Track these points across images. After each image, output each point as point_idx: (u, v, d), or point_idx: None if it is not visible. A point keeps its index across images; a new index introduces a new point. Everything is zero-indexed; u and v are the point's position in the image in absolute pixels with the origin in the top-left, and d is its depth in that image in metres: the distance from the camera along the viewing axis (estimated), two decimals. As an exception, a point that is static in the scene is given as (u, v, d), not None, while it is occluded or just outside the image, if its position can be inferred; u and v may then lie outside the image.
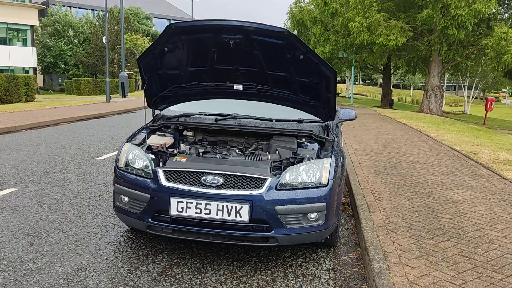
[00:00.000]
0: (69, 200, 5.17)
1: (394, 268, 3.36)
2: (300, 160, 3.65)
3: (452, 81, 65.66)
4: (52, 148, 8.61)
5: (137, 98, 27.06)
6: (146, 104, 4.31)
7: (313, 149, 4.04)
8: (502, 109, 55.57)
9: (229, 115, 4.33)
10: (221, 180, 3.34)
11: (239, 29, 3.59)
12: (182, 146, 4.03)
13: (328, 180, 3.48)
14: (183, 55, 3.95)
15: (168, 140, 4.12)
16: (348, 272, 3.57)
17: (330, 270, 3.57)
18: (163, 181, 3.41)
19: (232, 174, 3.35)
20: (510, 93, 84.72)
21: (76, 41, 42.19)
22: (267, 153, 3.92)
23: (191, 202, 3.31)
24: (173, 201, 3.34)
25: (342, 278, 3.45)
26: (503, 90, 68.20)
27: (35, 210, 4.77)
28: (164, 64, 4.03)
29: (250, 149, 4.08)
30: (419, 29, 20.17)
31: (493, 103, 25.56)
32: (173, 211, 3.34)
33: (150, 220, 3.45)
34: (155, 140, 4.08)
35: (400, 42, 18.66)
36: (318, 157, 3.81)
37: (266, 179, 3.34)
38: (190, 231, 3.41)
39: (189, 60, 4.02)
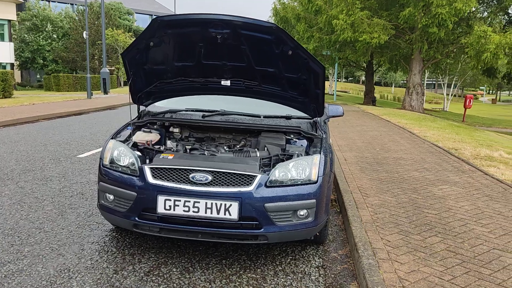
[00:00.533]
0: (50, 198, 5.03)
1: (384, 264, 3.35)
2: (290, 157, 3.60)
3: (431, 79, 66.63)
4: (31, 146, 8.40)
5: (119, 94, 26.70)
6: (131, 100, 4.21)
7: (301, 145, 4.01)
8: (480, 106, 56.60)
9: (217, 111, 4.26)
10: (210, 177, 3.28)
11: (227, 24, 3.52)
12: (168, 143, 3.95)
13: (318, 176, 3.45)
14: (169, 49, 3.87)
15: (154, 136, 4.03)
16: (337, 269, 3.54)
17: (319, 268, 3.55)
18: (150, 178, 3.33)
19: (220, 171, 3.29)
20: (487, 91, 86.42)
21: (55, 36, 41.39)
22: (256, 149, 3.86)
23: (179, 200, 3.25)
24: (161, 199, 3.26)
25: (332, 275, 3.43)
26: (480, 87, 69.51)
27: (15, 209, 4.63)
28: (149, 59, 3.94)
29: (238, 146, 4.02)
30: (401, 27, 20.36)
31: (471, 100, 26.01)
32: (160, 209, 3.27)
33: (136, 218, 3.37)
34: (141, 136, 3.99)
35: (383, 40, 18.80)
36: (307, 153, 3.78)
37: (255, 176, 3.29)
38: (177, 230, 3.34)
39: (176, 55, 3.93)
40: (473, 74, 39.04)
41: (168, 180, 3.31)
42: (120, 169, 3.51)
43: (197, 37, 3.71)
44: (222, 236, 3.35)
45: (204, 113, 4.24)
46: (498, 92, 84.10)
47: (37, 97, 22.93)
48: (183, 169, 3.32)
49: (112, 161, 3.58)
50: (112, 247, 3.75)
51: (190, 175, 3.29)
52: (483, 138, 11.19)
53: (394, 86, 75.39)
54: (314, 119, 4.34)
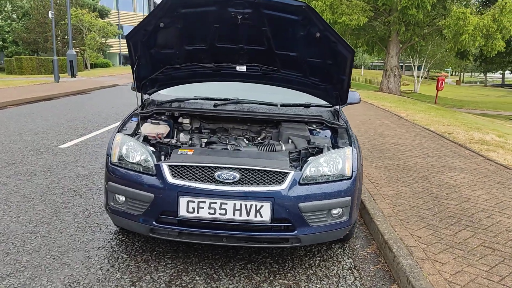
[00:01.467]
0: (40, 197, 4.56)
1: (424, 265, 3.12)
2: (319, 151, 3.29)
3: (401, 61, 67.47)
4: (5, 135, 7.76)
5: (88, 78, 25.61)
6: (135, 88, 3.78)
7: (325, 136, 3.70)
8: (446, 88, 57.73)
9: (229, 99, 3.88)
10: (238, 176, 2.93)
11: (250, 3, 3.14)
12: (181, 135, 3.56)
13: (352, 171, 3.16)
14: (180, 31, 3.45)
15: (163, 129, 3.63)
16: (371, 271, 3.29)
17: (353, 269, 3.28)
18: (169, 177, 2.95)
19: (250, 169, 2.95)
20: (451, 73, 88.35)
21: (15, 16, 39.20)
22: (280, 142, 3.52)
23: (204, 202, 2.89)
24: (183, 200, 2.90)
25: (368, 278, 3.17)
26: (446, 69, 71.02)
27: (2, 210, 4.14)
28: (157, 41, 3.50)
29: (259, 138, 3.67)
30: (379, 9, 20.21)
31: (443, 82, 26.36)
32: (182, 212, 2.91)
33: (154, 223, 3.00)
34: (149, 129, 3.58)
35: (362, 22, 18.62)
36: (333, 146, 3.47)
37: (288, 173, 2.97)
38: (200, 234, 3.00)
39: (187, 37, 3.52)
40: (442, 56, 39.60)
41: (190, 180, 2.94)
42: (130, 166, 3.11)
43: (213, 18, 3.31)
44: (250, 240, 3.03)
45: (216, 102, 3.85)
46: (462, 73, 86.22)
47: (0, 81, 21.67)
48: (207, 166, 2.95)
49: (121, 158, 3.17)
50: (121, 252, 3.36)
51: (216, 174, 2.93)
52: (468, 120, 11.22)
53: (364, 68, 75.98)
54: (335, 107, 4.03)
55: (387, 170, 5.70)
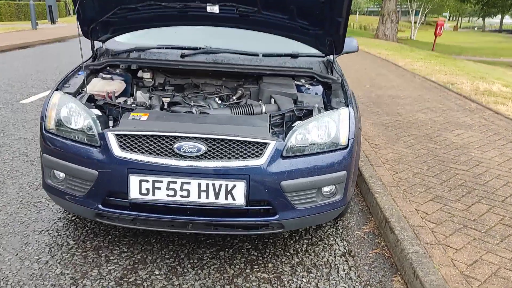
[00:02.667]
0: (-15, 163, 3.92)
1: (435, 252, 2.57)
2: (308, 113, 2.63)
3: (397, 6, 65.24)
4: (-36, 89, 7.00)
5: (69, 24, 24.22)
6: (80, 33, 3.04)
7: (316, 94, 3.04)
8: (443, 34, 56.15)
9: (200, 48, 3.17)
10: (203, 147, 2.29)
11: None
12: (138, 94, 2.87)
13: (348, 139, 2.53)
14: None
15: (117, 85, 2.94)
16: (369, 257, 2.74)
17: (347, 256, 2.73)
18: (117, 150, 2.31)
19: (218, 138, 2.31)
20: (448, 18, 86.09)
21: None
22: (260, 102, 2.85)
23: (161, 181, 2.27)
24: (134, 180, 2.27)
25: (365, 268, 2.62)
26: (443, 14, 69.00)
27: None
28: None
29: (235, 97, 2.99)
30: None
31: (442, 27, 25.24)
32: (134, 194, 2.29)
33: (99, 206, 2.39)
34: (99, 86, 2.89)
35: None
36: (326, 106, 2.82)
37: (267, 144, 2.33)
38: (158, 220, 2.40)
39: (141, -33, 2.76)
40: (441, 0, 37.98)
41: (143, 153, 2.30)
42: (71, 135, 2.45)
43: None
44: (221, 226, 2.45)
45: (183, 51, 3.14)
46: (460, 18, 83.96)
47: (-25, 28, 20.35)
48: (164, 136, 2.31)
49: (59, 124, 2.50)
50: (68, 237, 2.77)
51: (175, 145, 2.29)
52: (471, 69, 10.50)
53: (359, 14, 73.56)
54: (328, 57, 3.33)
55: (385, 128, 5.08)
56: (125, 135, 2.33)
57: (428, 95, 7.00)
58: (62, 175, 2.48)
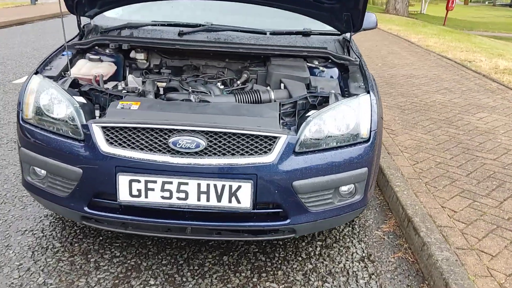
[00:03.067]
0: (-31, 151, 3.62)
1: (467, 258, 2.26)
2: (324, 100, 2.29)
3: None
4: (-44, 68, 6.67)
5: (69, -1, 23.59)
6: (64, 7, 2.67)
7: (332, 78, 2.69)
8: (454, 8, 54.69)
9: (200, 25, 2.81)
10: (203, 143, 1.96)
11: None
12: (129, 78, 2.53)
13: (370, 131, 2.19)
14: None
15: (106, 68, 2.60)
16: (391, 262, 2.43)
17: (366, 260, 2.43)
18: (103, 145, 1.99)
19: (221, 132, 1.98)
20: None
21: None
22: (268, 88, 2.50)
23: (154, 181, 1.96)
24: (123, 179, 1.96)
25: (388, 276, 2.32)
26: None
27: None
28: None
29: (239, 82, 2.64)
30: None
31: (454, 1, 24.42)
32: (123, 195, 1.99)
33: (86, 208, 2.09)
34: (85, 68, 2.56)
35: None
36: (343, 91, 2.48)
37: (278, 138, 2.01)
38: (153, 224, 2.10)
39: None
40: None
41: (133, 148, 1.98)
42: (52, 127, 2.13)
43: None
44: (224, 232, 2.15)
45: (181, 28, 2.79)
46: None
47: (-27, 3, 19.86)
48: (158, 129, 1.98)
49: (38, 113, 2.18)
50: (54, 239, 2.48)
51: (171, 140, 1.97)
52: (487, 45, 10.01)
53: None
54: (344, 35, 2.96)
55: (401, 111, 4.72)
56: (113, 128, 2.00)
57: (445, 74, 6.59)
58: (43, 172, 2.17)
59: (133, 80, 2.50)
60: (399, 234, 2.70)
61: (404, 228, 2.69)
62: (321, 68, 2.69)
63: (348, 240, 2.61)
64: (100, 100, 2.27)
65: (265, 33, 2.84)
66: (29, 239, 2.47)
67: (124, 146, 1.98)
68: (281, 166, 1.99)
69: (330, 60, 2.72)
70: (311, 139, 2.07)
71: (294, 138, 2.03)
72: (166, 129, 1.97)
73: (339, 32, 2.92)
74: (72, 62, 2.59)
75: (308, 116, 2.14)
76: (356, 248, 2.54)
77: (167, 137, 1.97)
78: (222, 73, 2.77)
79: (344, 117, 2.16)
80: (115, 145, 1.99)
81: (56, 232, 2.54)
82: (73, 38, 2.87)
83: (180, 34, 2.75)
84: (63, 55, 2.64)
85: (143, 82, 2.50)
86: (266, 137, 2.00)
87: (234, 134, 1.98)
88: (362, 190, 2.23)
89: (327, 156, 2.08)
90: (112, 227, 2.15)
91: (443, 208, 2.75)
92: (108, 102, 2.22)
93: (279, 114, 2.17)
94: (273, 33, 2.85)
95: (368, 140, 2.18)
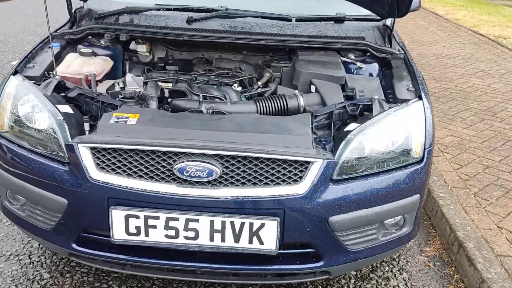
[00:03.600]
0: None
1: (538, 304, 1.84)
2: (366, 108, 1.84)
3: None
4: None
5: (78, -32, 22.89)
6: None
7: (371, 74, 2.23)
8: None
9: (213, 10, 2.34)
10: (218, 169, 1.55)
11: None
12: (128, 78, 2.09)
13: (424, 149, 1.76)
14: None
15: (100, 64, 2.17)
16: (441, 300, 2.03)
17: (411, 299, 2.03)
18: (92, 170, 1.60)
19: (239, 156, 1.56)
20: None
21: None
22: (296, 92, 2.04)
23: (156, 217, 1.57)
24: (118, 215, 1.57)
25: (439, 320, 1.92)
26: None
27: None
28: None
29: (260, 83, 2.19)
30: None
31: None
32: (119, 233, 1.60)
33: (74, 245, 1.71)
34: (75, 65, 2.13)
35: None
36: (386, 94, 2.03)
37: (311, 163, 1.58)
38: (155, 266, 1.72)
39: None
40: None
41: (130, 175, 1.58)
42: (30, 144, 1.73)
43: None
44: (243, 276, 1.76)
45: (190, 13, 2.33)
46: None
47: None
48: (160, 152, 1.57)
49: (17, 124, 1.78)
50: (42, 267, 2.12)
51: (177, 165, 1.55)
52: (520, 18, 9.28)
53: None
54: (385, 21, 2.48)
55: (436, 99, 4.24)
56: (105, 149, 1.60)
57: (480, 53, 6.02)
58: (22, 199, 1.79)
59: (132, 81, 2.06)
60: (447, 261, 2.29)
61: (453, 254, 2.28)
62: (358, 64, 2.23)
63: (387, 268, 2.21)
64: (92, 108, 1.86)
65: (290, 20, 2.37)
66: (14, 267, 2.11)
67: (118, 173, 1.58)
68: (315, 199, 1.58)
69: (368, 53, 2.26)
70: (352, 161, 1.65)
71: (331, 163, 1.60)
72: (171, 151, 1.56)
73: (379, 18, 2.44)
74: (60, 57, 2.18)
75: (347, 130, 1.70)
76: (397, 279, 2.14)
77: (172, 162, 1.56)
78: (239, 70, 2.32)
79: (391, 132, 1.73)
80: (108, 171, 1.59)
81: (45, 258, 2.18)
82: (63, 26, 2.45)
83: (189, 21, 2.30)
84: (49, 47, 2.21)
85: (145, 84, 2.07)
86: (296, 161, 1.58)
87: (257, 159, 1.56)
88: (412, 220, 1.81)
89: (371, 184, 1.65)
90: (106, 265, 1.78)
91: (500, 229, 2.33)
92: (101, 111, 1.81)
93: (311, 128, 1.73)
94: (300, 19, 2.37)
95: (421, 160, 1.75)
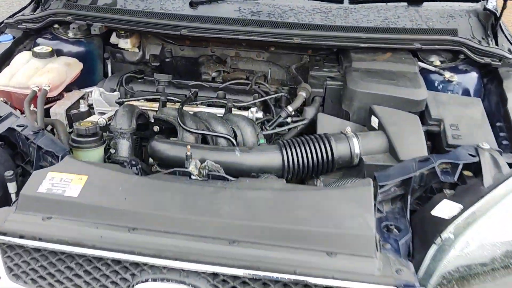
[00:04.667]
0: None
1: None
2: (465, 167, 1.08)
3: None
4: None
5: None
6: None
7: (466, 92, 1.44)
8: None
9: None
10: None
11: None
12: (96, 94, 1.37)
13: None
14: None
15: (59, 72, 1.47)
16: None
17: None
18: (4, 277, 0.95)
19: (247, 276, 0.87)
20: None
21: None
22: (347, 131, 1.25)
23: None
24: None
25: None
26: None
27: None
28: None
29: (290, 108, 1.42)
30: None
31: None
32: None
33: None
34: (24, 72, 1.46)
35: None
36: (498, 133, 1.26)
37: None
38: None
39: None
40: None
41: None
42: None
43: None
44: None
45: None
46: None
47: None
48: (113, 260, 0.90)
49: None
50: None
51: (137, 286, 0.88)
52: None
53: None
54: (487, 3, 1.63)
55: None
56: (20, 246, 0.95)
57: None
58: None
59: (100, 99, 1.38)
60: None
61: None
62: (446, 74, 1.44)
63: None
64: (28, 151, 1.20)
65: (341, 1, 1.58)
66: None
67: (41, 287, 0.94)
68: None
69: (463, 56, 1.47)
70: (450, 275, 0.92)
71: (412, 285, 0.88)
72: (130, 261, 0.89)
73: (475, -1, 1.61)
74: (12, 56, 1.53)
75: (438, 218, 0.97)
76: None
77: (130, 278, 0.90)
78: (263, 77, 1.59)
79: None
80: (25, 282, 0.94)
81: None
82: (21, 10, 1.76)
83: (193, 3, 1.57)
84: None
85: (118, 103, 1.38)
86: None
87: (275, 281, 0.87)
88: None
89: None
90: None
91: None
92: (36, 158, 1.15)
93: (375, 210, 1.00)
94: (355, 1, 1.59)
95: None
